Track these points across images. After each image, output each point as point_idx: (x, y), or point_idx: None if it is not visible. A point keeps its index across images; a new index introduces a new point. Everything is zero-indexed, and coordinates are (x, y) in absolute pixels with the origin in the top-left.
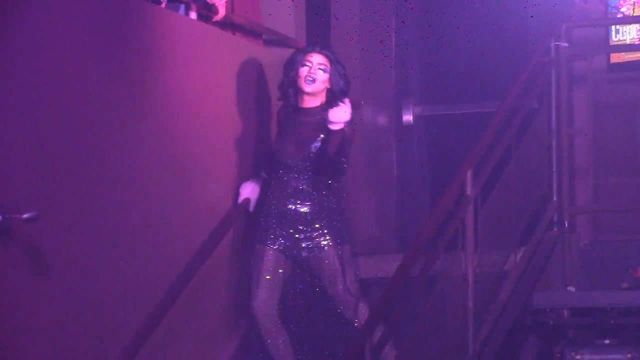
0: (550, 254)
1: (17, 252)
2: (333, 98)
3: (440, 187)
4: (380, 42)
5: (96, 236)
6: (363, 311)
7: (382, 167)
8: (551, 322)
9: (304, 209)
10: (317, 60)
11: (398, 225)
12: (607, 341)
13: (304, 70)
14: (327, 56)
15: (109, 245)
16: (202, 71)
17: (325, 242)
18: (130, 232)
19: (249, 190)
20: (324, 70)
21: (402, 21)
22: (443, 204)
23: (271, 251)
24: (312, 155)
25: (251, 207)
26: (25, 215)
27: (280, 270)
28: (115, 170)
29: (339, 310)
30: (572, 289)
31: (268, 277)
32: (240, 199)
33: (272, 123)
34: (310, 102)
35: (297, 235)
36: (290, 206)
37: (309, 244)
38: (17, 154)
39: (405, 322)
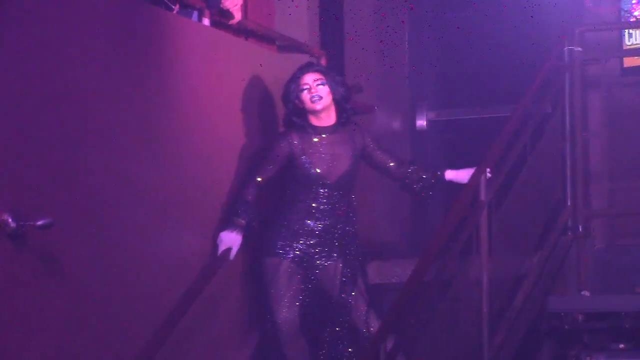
0: (565, 259)
1: (32, 258)
2: (342, 111)
3: (454, 191)
4: (394, 47)
5: (110, 243)
6: (373, 322)
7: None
8: (566, 327)
9: (322, 226)
10: (311, 78)
11: (412, 230)
12: (622, 345)
13: (305, 94)
14: (318, 71)
15: (122, 252)
16: (215, 77)
17: (335, 265)
18: (144, 239)
19: (230, 240)
20: (323, 84)
21: (411, 6)
22: (457, 208)
23: (286, 262)
24: (347, 172)
25: (232, 256)
26: (39, 222)
27: (297, 281)
28: (129, 177)
29: (347, 319)
30: (586, 293)
31: (286, 289)
32: (220, 249)
33: (276, 151)
34: (326, 120)
35: (311, 250)
36: (307, 222)
37: (321, 264)
38: (31, 161)
39: (420, 327)
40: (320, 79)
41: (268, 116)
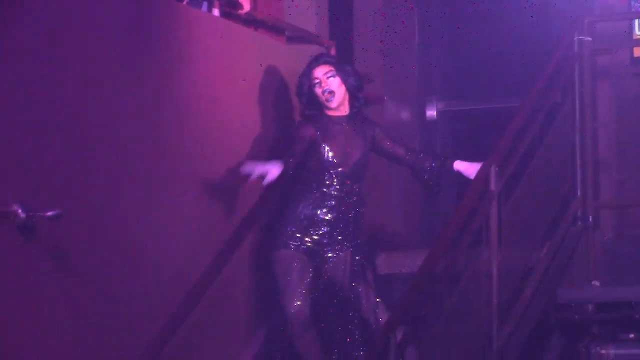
0: (575, 249)
1: (41, 249)
2: (354, 100)
3: (465, 182)
4: (404, 37)
5: (119, 234)
6: (382, 312)
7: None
8: (576, 317)
9: (333, 216)
10: (322, 72)
11: (422, 221)
12: (632, 335)
13: (317, 89)
14: (328, 62)
15: (132, 244)
16: (224, 68)
17: (345, 255)
18: (153, 230)
19: (270, 165)
20: (333, 76)
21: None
22: (467, 199)
23: (298, 254)
24: (359, 162)
25: (270, 178)
26: (49, 213)
27: (309, 273)
28: (139, 169)
29: (358, 311)
30: (596, 283)
31: (298, 281)
32: (256, 171)
33: (293, 118)
34: (341, 111)
35: (323, 241)
36: (317, 212)
37: (332, 255)
38: (41, 152)
39: (430, 318)
40: (330, 70)
41: (278, 106)
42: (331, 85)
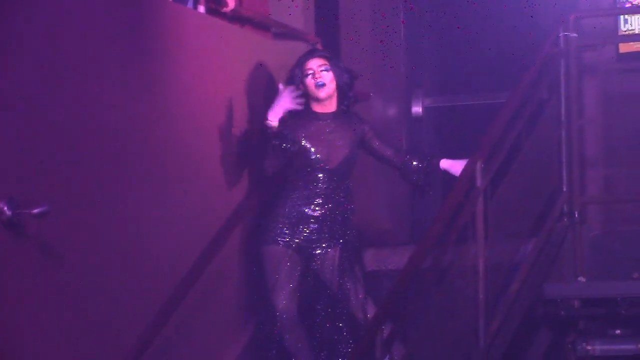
0: (561, 245)
1: (28, 247)
2: (343, 98)
3: (451, 178)
4: (390, 33)
5: (107, 231)
6: (371, 308)
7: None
8: (562, 313)
9: (321, 213)
10: (316, 64)
11: (409, 217)
12: (618, 331)
13: (309, 80)
14: (323, 56)
15: (119, 241)
16: (210, 65)
17: (334, 251)
18: (141, 227)
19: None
20: (327, 70)
21: (411, 5)
22: (454, 195)
23: (287, 251)
24: (345, 158)
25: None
26: (35, 210)
27: (297, 269)
28: (126, 165)
29: (346, 307)
30: (582, 279)
31: (287, 278)
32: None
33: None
34: (328, 107)
35: (312, 237)
36: (305, 209)
37: (321, 251)
38: (27, 148)
39: (416, 314)
40: (324, 64)
41: (265, 102)
42: (324, 78)
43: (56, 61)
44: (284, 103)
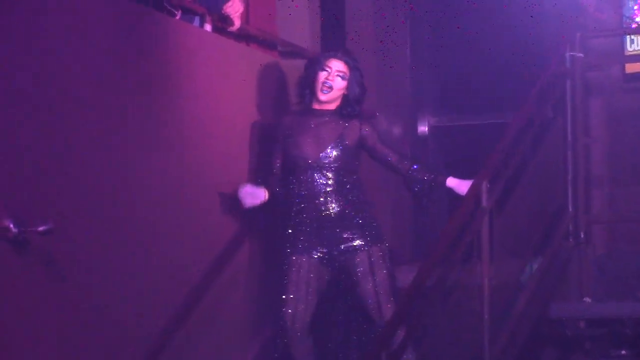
0: (566, 265)
1: (33, 264)
2: (348, 105)
3: (456, 197)
4: (395, 52)
5: (113, 247)
6: (387, 313)
7: (397, 177)
8: (567, 333)
9: (333, 209)
10: (336, 66)
11: (414, 236)
12: (623, 352)
13: (322, 75)
14: (347, 63)
15: (126, 256)
16: (216, 83)
17: (356, 244)
18: (148, 242)
19: (255, 193)
20: (342, 78)
21: (412, 6)
22: (459, 214)
23: (307, 261)
24: (332, 153)
25: (261, 198)
26: (41, 228)
27: (317, 280)
28: (132, 181)
29: (365, 311)
30: (588, 299)
31: (304, 289)
32: (246, 202)
33: (276, 142)
34: (326, 106)
35: (331, 237)
36: (319, 208)
37: (342, 247)
38: (33, 166)
39: (421, 333)
40: (343, 72)
41: (270, 121)
42: (335, 83)
43: (62, 78)
44: (245, 202)
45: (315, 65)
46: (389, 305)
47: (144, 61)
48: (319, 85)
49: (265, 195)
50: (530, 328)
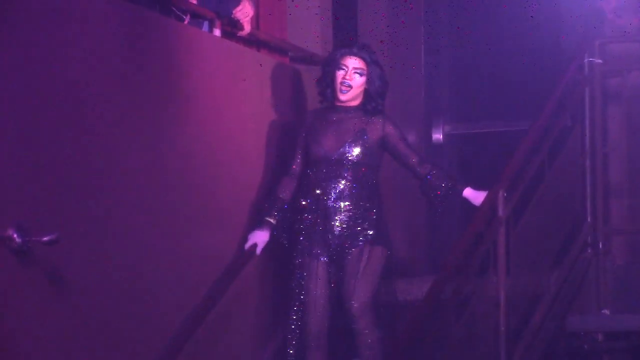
0: (585, 276)
1: (38, 275)
2: (371, 100)
3: (472, 207)
4: (409, 58)
5: (119, 257)
6: (359, 299)
7: (411, 187)
8: (585, 347)
9: (345, 208)
10: (352, 64)
11: (428, 247)
12: None
13: (339, 75)
14: (363, 58)
15: (134, 267)
16: (226, 89)
17: (358, 242)
18: (154, 251)
19: (256, 236)
20: (361, 74)
21: (427, 11)
22: (474, 225)
23: (322, 265)
24: (352, 148)
25: (258, 251)
26: (45, 238)
27: (328, 282)
28: (138, 191)
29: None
30: (606, 312)
31: (321, 292)
32: (248, 244)
33: (298, 140)
34: (348, 103)
35: (337, 237)
36: (330, 205)
37: (346, 246)
38: (37, 175)
39: (436, 346)
40: (360, 68)
41: (282, 127)
42: (353, 82)
43: (68, 85)
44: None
45: (331, 63)
46: (361, 294)
47: (151, 67)
48: (338, 86)
49: (265, 239)
50: (547, 341)
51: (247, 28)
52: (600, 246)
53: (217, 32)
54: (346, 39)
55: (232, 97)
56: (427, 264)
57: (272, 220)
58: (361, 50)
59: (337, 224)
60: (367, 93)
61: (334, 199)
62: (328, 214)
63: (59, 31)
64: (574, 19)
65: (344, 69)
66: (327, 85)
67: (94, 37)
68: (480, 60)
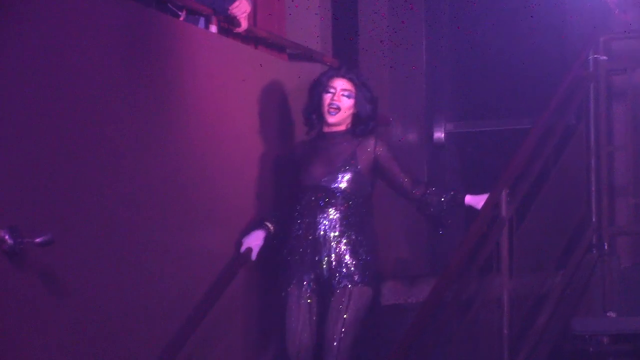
0: (590, 278)
1: (31, 277)
2: (359, 123)
3: (475, 211)
4: (410, 56)
5: (113, 259)
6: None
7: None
8: (591, 350)
9: (333, 239)
10: (340, 85)
11: (430, 248)
12: None
13: (327, 97)
14: (351, 80)
15: (126, 268)
16: (222, 86)
17: (343, 280)
18: (148, 253)
19: (251, 239)
20: (349, 97)
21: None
22: (477, 225)
23: (303, 293)
24: (343, 177)
25: (253, 256)
26: (38, 239)
27: (316, 307)
28: (132, 191)
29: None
30: (612, 314)
31: (307, 323)
32: (243, 248)
33: (294, 139)
34: (335, 127)
35: (324, 265)
36: (319, 235)
37: (332, 279)
38: (30, 174)
39: (439, 348)
40: (348, 90)
41: (279, 124)
42: (342, 103)
43: (62, 83)
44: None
45: (318, 88)
46: (335, 344)
47: (146, 64)
48: (326, 108)
49: (260, 244)
50: (552, 344)
51: (244, 25)
52: (606, 247)
53: (213, 28)
54: (346, 35)
55: (228, 95)
56: (429, 265)
57: (269, 225)
58: (349, 72)
59: (324, 255)
60: (355, 117)
61: (323, 229)
62: (317, 244)
63: (52, 29)
64: (579, 15)
65: (331, 92)
66: (314, 110)
67: (88, 34)
68: (482, 57)
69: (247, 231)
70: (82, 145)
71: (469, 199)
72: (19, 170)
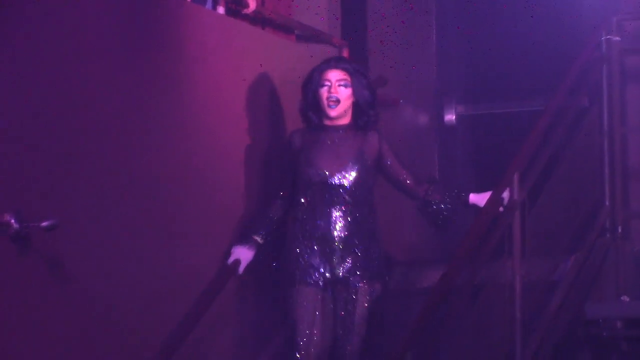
0: (603, 262)
1: (36, 261)
2: (361, 114)
3: (486, 191)
4: (421, 37)
5: (118, 245)
6: (348, 348)
7: (423, 170)
8: (604, 334)
9: (340, 234)
10: (335, 77)
11: (439, 233)
12: None
13: (324, 92)
14: (345, 69)
15: (130, 253)
16: (229, 68)
17: (352, 276)
18: (152, 239)
19: (240, 252)
20: (346, 86)
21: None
22: (488, 209)
23: (314, 291)
24: (352, 173)
25: (240, 270)
26: (44, 223)
27: (325, 306)
28: (137, 176)
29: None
30: (626, 298)
31: (317, 320)
32: (231, 259)
33: (286, 162)
34: (339, 120)
35: (332, 262)
36: (326, 231)
37: (340, 274)
38: (35, 159)
39: (449, 334)
40: (344, 79)
41: (285, 109)
42: (340, 94)
43: (64, 67)
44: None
45: (312, 83)
46: (348, 346)
47: (152, 45)
48: (325, 102)
49: (250, 257)
50: (565, 328)
51: (252, 5)
52: (619, 230)
53: (221, 9)
54: (355, 15)
55: (236, 76)
56: (439, 250)
57: (259, 240)
58: (341, 62)
59: (332, 252)
60: (356, 107)
61: (331, 226)
62: (325, 241)
63: (56, 15)
64: None
65: (327, 84)
66: (309, 107)
67: (93, 13)
68: (493, 38)
69: (235, 243)
70: (87, 129)
71: (473, 198)
72: (24, 154)
